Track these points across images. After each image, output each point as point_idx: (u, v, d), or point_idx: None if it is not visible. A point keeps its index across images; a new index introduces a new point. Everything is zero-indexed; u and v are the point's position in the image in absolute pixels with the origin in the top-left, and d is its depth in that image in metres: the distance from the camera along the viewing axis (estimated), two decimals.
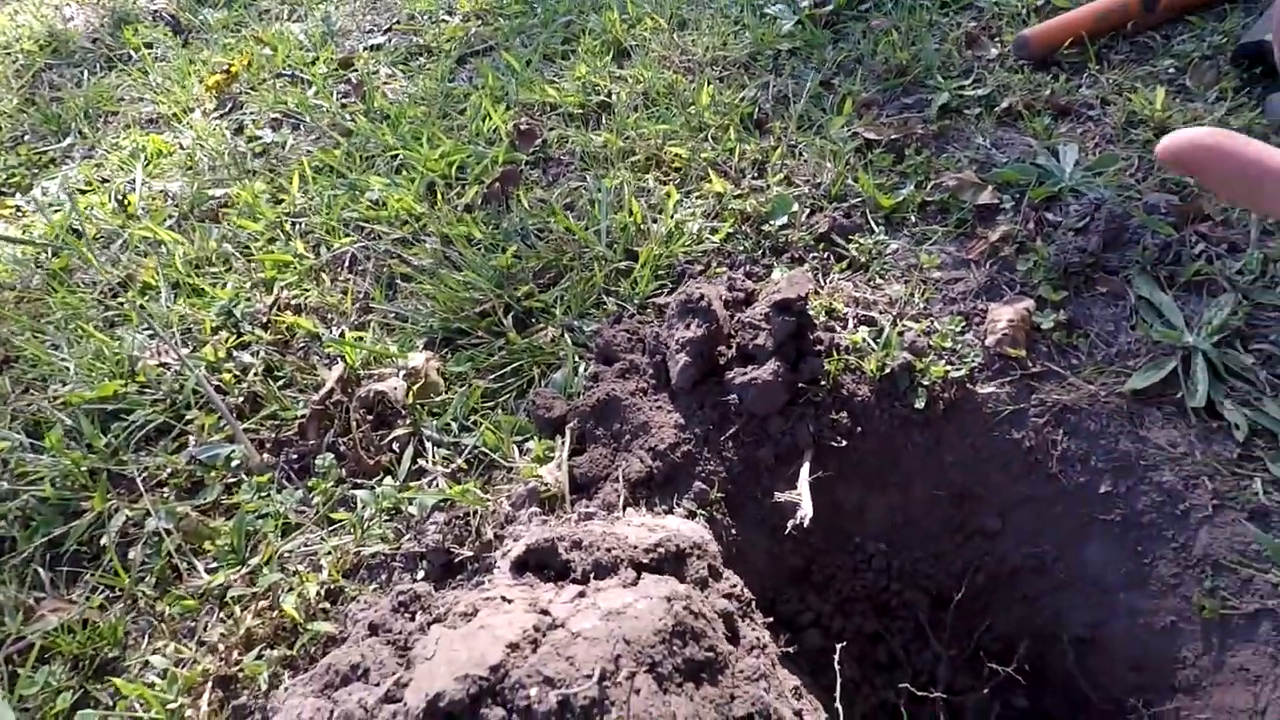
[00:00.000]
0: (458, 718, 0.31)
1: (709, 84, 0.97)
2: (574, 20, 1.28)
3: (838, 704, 0.42)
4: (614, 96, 0.99)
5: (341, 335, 0.71)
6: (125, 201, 1.01)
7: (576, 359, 0.65)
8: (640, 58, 1.09)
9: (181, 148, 1.18)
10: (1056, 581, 0.57)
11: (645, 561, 0.41)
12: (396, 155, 0.95)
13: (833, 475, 0.56)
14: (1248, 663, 0.46)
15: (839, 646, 0.45)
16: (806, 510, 0.49)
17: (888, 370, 0.58)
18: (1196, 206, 0.70)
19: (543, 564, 0.42)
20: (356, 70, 1.31)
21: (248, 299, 0.76)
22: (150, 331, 0.72)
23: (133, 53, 1.54)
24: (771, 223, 0.76)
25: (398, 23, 1.53)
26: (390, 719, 0.32)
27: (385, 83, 1.25)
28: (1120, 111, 0.84)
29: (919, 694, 0.51)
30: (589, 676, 0.31)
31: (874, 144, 0.85)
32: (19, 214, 1.09)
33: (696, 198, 0.81)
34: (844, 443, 0.55)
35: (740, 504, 0.54)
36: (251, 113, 1.23)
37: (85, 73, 1.51)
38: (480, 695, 0.31)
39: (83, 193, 1.11)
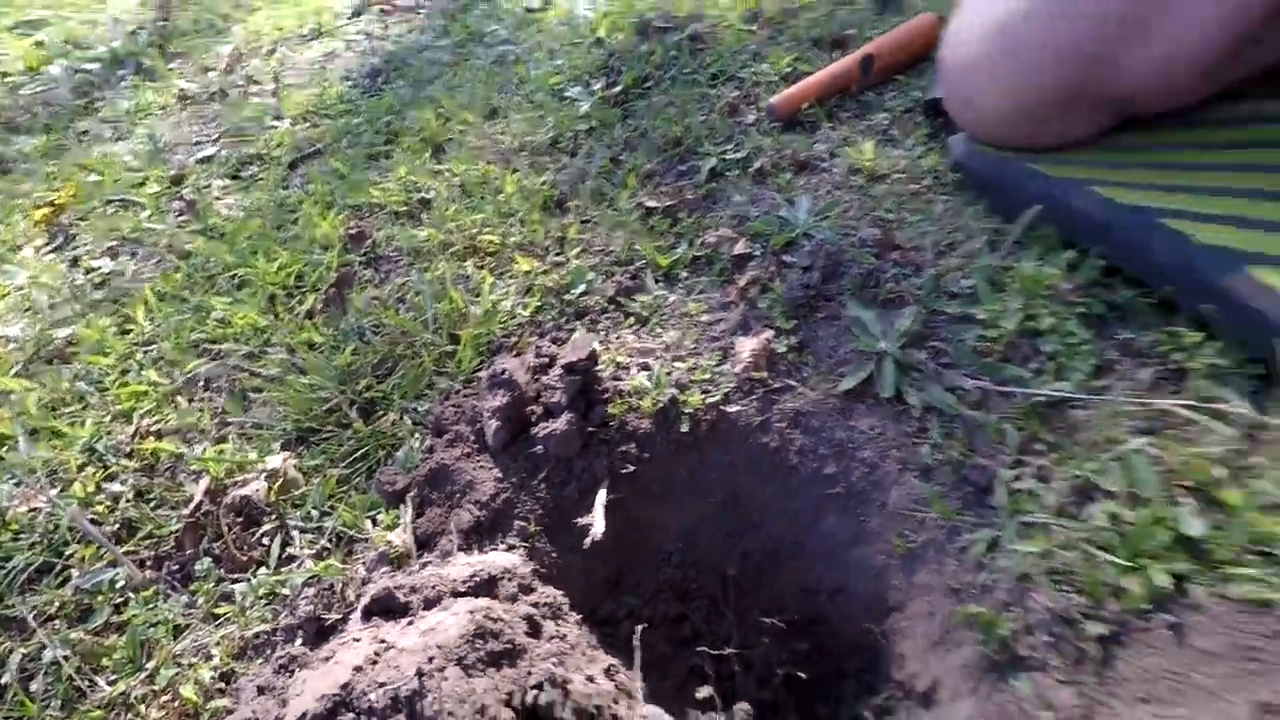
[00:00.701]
0: None
1: (515, 172, 1.12)
2: (393, 120, 1.41)
3: (636, 669, 0.56)
4: (433, 192, 1.12)
5: (204, 451, 0.80)
6: None
7: (414, 436, 0.77)
8: (455, 152, 1.23)
9: (17, 289, 1.21)
10: (809, 551, 0.74)
11: (463, 590, 0.53)
12: (236, 273, 1.04)
13: (629, 498, 0.71)
14: (923, 579, 0.63)
15: (639, 628, 0.60)
16: (598, 528, 0.64)
17: (660, 405, 0.74)
18: (891, 237, 0.90)
19: (386, 609, 0.54)
20: (189, 186, 1.38)
21: (109, 432, 0.83)
22: (15, 480, 0.78)
23: None
24: (572, 292, 0.91)
25: (226, 132, 1.60)
26: None
27: (218, 197, 1.33)
28: (843, 162, 1.05)
29: (715, 654, 0.66)
30: (411, 674, 0.44)
31: (654, 211, 1.02)
32: None
33: (508, 278, 0.95)
34: (634, 469, 0.70)
35: (556, 533, 0.68)
36: (86, 244, 1.27)
37: None
38: (335, 707, 0.43)
39: None
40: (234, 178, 1.39)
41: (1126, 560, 0.56)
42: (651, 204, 1.03)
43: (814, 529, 0.72)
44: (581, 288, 0.91)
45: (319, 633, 0.62)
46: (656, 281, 0.92)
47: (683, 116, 1.20)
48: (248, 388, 0.86)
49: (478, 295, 0.92)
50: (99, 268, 1.20)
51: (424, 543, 0.66)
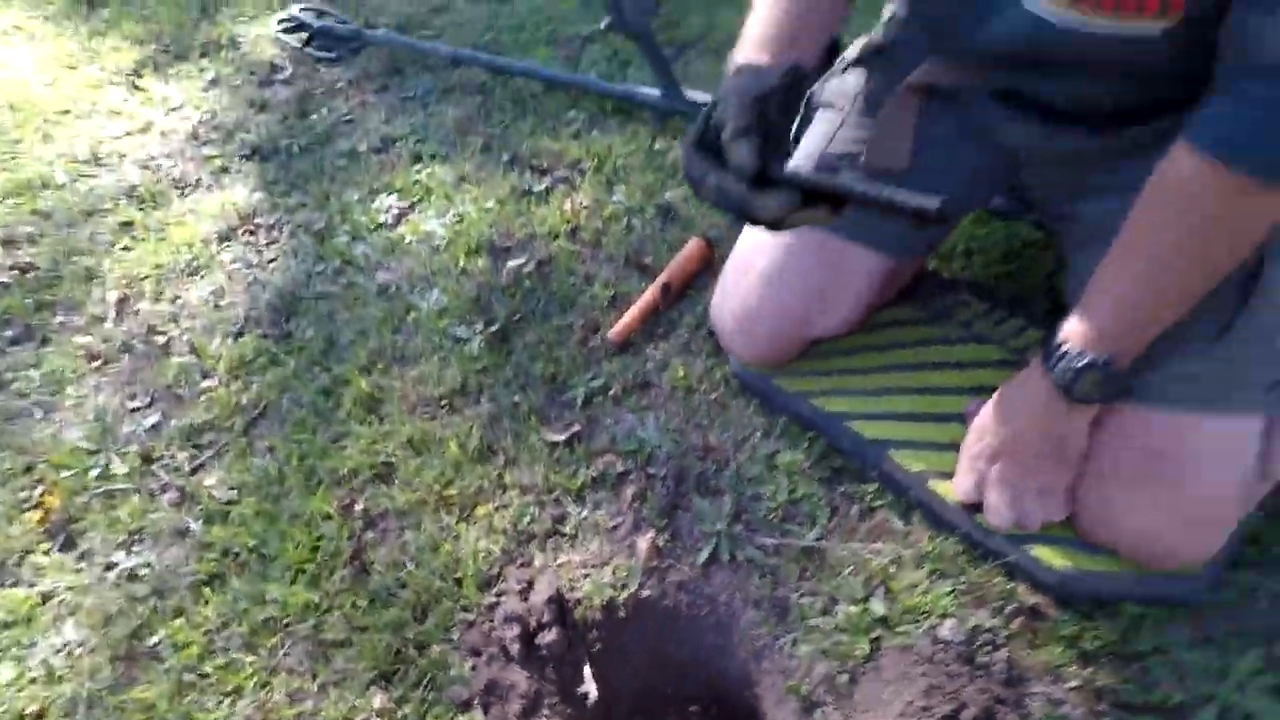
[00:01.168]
0: None
1: (450, 430, 1.58)
2: (320, 373, 1.79)
3: None
4: (394, 456, 1.55)
5: (317, 708, 1.21)
6: (50, 668, 1.33)
7: (458, 657, 1.23)
8: (392, 407, 1.66)
9: (45, 599, 1.48)
10: (709, 660, 1.29)
11: None
12: (265, 554, 1.42)
13: (602, 665, 1.23)
14: (766, 666, 1.21)
15: None
16: (592, 692, 1.15)
17: (604, 602, 1.26)
18: (707, 440, 1.47)
19: None
20: (161, 462, 1.68)
21: (232, 713, 1.21)
22: None
23: None
24: (522, 523, 1.40)
25: (158, 396, 1.89)
26: None
27: (192, 473, 1.65)
28: (668, 378, 1.61)
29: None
30: None
31: (556, 445, 1.53)
32: None
33: (474, 523, 1.42)
34: (600, 646, 1.22)
35: (567, 702, 1.18)
36: (94, 540, 1.56)
37: None
38: None
39: None
40: (196, 447, 1.71)
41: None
42: (552, 438, 1.54)
43: (707, 646, 1.28)
44: (528, 518, 1.40)
45: None
46: (574, 504, 1.43)
47: (550, 351, 1.72)
48: (325, 651, 1.27)
49: (459, 540, 1.39)
50: (118, 563, 1.50)
51: None
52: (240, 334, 1.96)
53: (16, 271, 2.30)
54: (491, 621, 1.25)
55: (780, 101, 0.70)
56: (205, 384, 1.86)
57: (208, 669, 1.28)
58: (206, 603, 1.37)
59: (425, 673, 1.22)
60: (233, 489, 1.57)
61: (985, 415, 0.98)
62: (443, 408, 1.64)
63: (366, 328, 1.87)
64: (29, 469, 1.72)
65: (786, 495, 1.36)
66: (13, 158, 2.64)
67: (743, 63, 0.78)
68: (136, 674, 1.29)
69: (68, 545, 1.56)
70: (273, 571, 1.39)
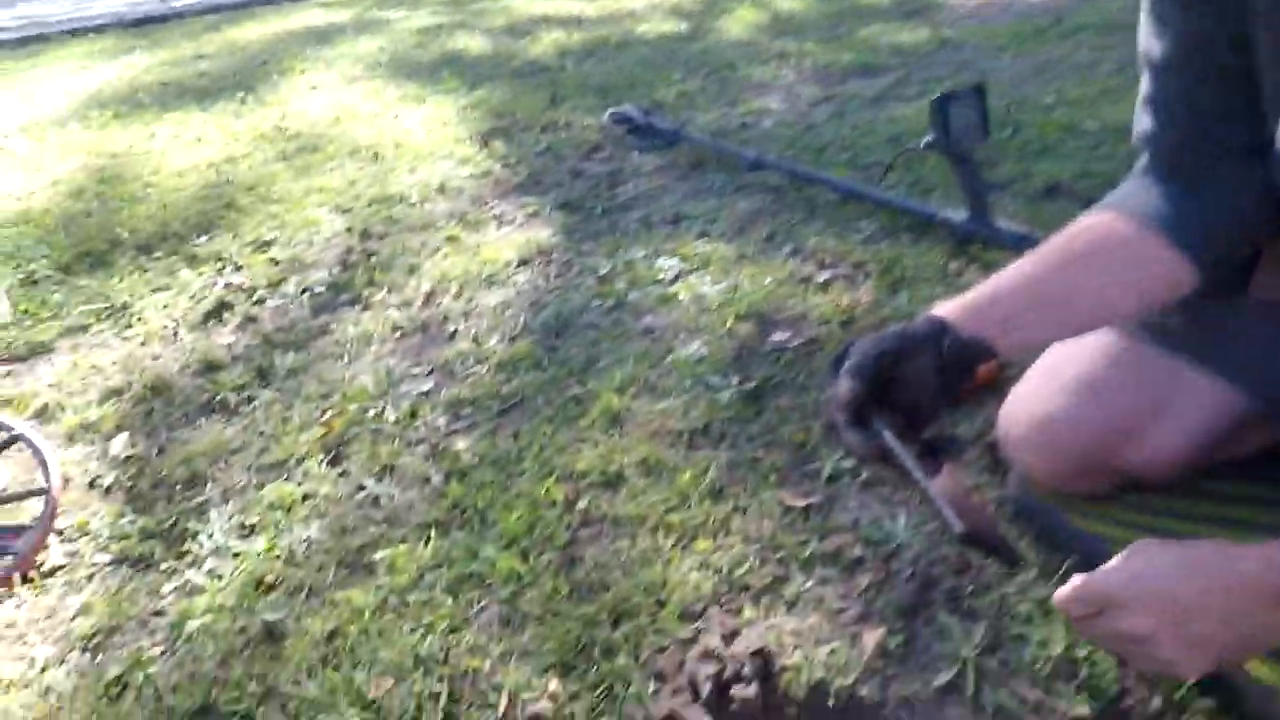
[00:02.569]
0: None
1: (686, 460, 1.55)
2: (575, 386, 1.87)
3: None
4: (624, 468, 1.56)
5: (493, 669, 1.18)
6: (292, 554, 1.46)
7: (642, 679, 1.14)
8: (633, 428, 1.68)
9: (305, 497, 1.65)
10: None
11: None
12: (485, 517, 1.46)
13: None
14: None
15: None
16: None
17: (812, 682, 1.10)
18: (967, 559, 1.29)
19: None
20: (423, 419, 1.84)
21: (423, 641, 1.22)
22: (369, 669, 1.16)
23: (229, 396, 2.02)
24: (738, 571, 1.30)
25: (437, 368, 2.09)
26: None
27: (447, 436, 1.78)
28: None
29: None
30: None
31: (790, 509, 1.43)
32: (197, 560, 1.50)
33: (691, 554, 1.35)
34: None
35: None
36: (355, 465, 1.72)
37: (194, 416, 1.98)
38: None
39: (241, 538, 1.54)
40: (455, 416, 1.85)
41: None
42: (789, 501, 1.45)
43: None
44: (745, 568, 1.30)
45: None
46: (800, 571, 1.31)
47: (803, 420, 1.64)
48: (517, 620, 1.25)
49: (670, 565, 1.32)
50: (369, 488, 1.63)
51: None
52: (515, 338, 2.15)
53: (364, 255, 2.78)
54: (684, 655, 1.15)
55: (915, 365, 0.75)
56: (476, 369, 2.04)
57: (410, 599, 1.31)
58: (428, 543, 1.42)
59: (605, 678, 1.14)
60: (476, 457, 1.66)
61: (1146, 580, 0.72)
62: (682, 441, 1.62)
63: (625, 358, 1.95)
64: (325, 396, 1.97)
65: (1063, 650, 1.12)
66: (385, 178, 3.30)
67: (932, 314, 0.81)
68: (353, 581, 1.36)
69: (334, 462, 1.74)
70: (490, 534, 1.43)
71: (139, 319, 2.45)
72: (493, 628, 1.25)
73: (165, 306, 2.52)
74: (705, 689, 1.07)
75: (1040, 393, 1.25)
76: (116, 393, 2.08)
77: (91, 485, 1.77)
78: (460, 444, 1.73)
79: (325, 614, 1.29)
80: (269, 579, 1.39)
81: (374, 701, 1.13)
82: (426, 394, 1.96)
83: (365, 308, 2.45)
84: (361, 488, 1.64)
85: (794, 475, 1.53)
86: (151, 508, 1.67)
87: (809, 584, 1.28)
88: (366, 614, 1.28)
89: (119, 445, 1.87)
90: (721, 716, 1.06)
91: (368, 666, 1.19)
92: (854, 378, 0.74)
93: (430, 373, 2.07)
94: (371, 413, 1.88)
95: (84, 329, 2.43)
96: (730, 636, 1.16)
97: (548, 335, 2.16)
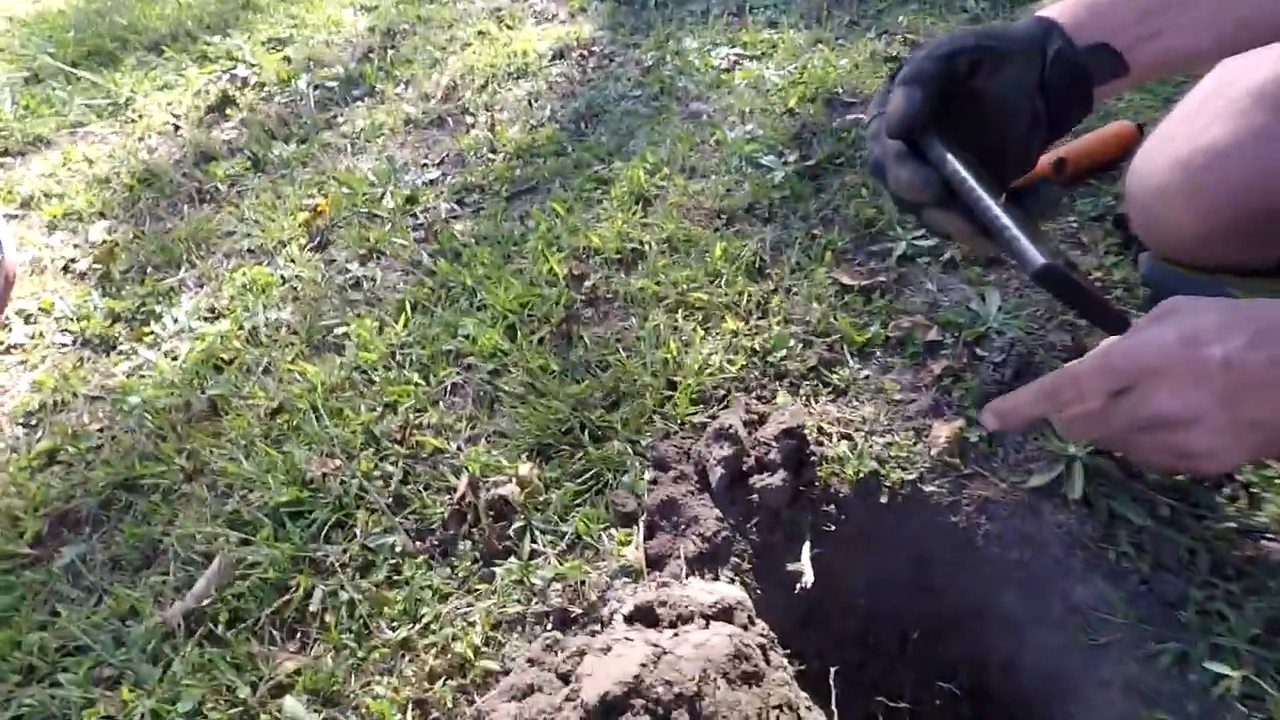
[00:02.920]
0: (617, 705, 0.54)
1: (720, 237, 1.25)
2: (601, 168, 1.57)
3: (833, 707, 0.66)
4: (646, 245, 1.27)
5: (458, 449, 0.96)
6: (255, 332, 1.26)
7: (638, 466, 0.89)
8: (661, 207, 1.37)
9: (283, 280, 1.44)
10: (985, 622, 0.81)
11: (709, 613, 0.64)
12: (476, 296, 1.21)
13: (825, 550, 0.81)
14: (1103, 675, 0.70)
15: (832, 669, 0.69)
16: (809, 577, 0.74)
17: (861, 475, 0.83)
18: (1081, 344, 0.97)
19: (644, 618, 0.65)
20: (422, 206, 1.59)
21: (381, 419, 1.01)
22: (313, 447, 0.96)
23: (220, 186, 1.81)
24: (774, 355, 1.02)
25: (448, 158, 1.82)
26: (571, 709, 0.55)
27: (447, 221, 1.52)
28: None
29: (892, 705, 0.74)
30: (691, 679, 0.55)
31: (849, 289, 1.12)
32: (159, 340, 1.33)
33: (716, 335, 1.07)
34: (834, 528, 0.80)
35: (763, 573, 0.79)
36: (341, 248, 1.49)
37: (182, 205, 1.78)
38: (628, 693, 0.54)
39: (207, 321, 1.36)
40: (459, 203, 1.59)
41: None
42: (847, 281, 1.13)
43: (993, 605, 0.79)
44: (783, 353, 1.02)
45: (564, 621, 0.75)
46: (852, 356, 1.01)
47: (874, 198, 1.30)
48: (495, 400, 1.01)
49: (689, 346, 1.05)
50: (351, 271, 1.40)
51: (654, 562, 0.78)
52: (539, 127, 1.83)
53: (382, 50, 2.47)
54: (694, 440, 0.90)
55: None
56: (491, 157, 1.75)
57: (376, 376, 1.09)
58: (405, 323, 1.19)
59: (592, 465, 0.90)
60: (473, 238, 1.40)
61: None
62: (720, 219, 1.31)
63: (663, 141, 1.62)
64: (320, 183, 1.73)
65: None
66: None
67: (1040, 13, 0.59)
68: (315, 358, 1.14)
69: (319, 247, 1.52)
70: (476, 310, 1.18)
71: (140, 115, 2.25)
72: (465, 408, 1.02)
73: (169, 103, 2.30)
74: (716, 475, 0.81)
75: (1195, 122, 0.86)
76: (104, 182, 1.89)
77: (66, 269, 1.61)
78: (459, 227, 1.47)
79: (275, 390, 1.09)
80: (225, 356, 1.20)
81: (311, 481, 0.93)
82: (432, 182, 1.69)
83: (379, 101, 2.17)
84: (345, 271, 1.41)
85: (857, 255, 1.20)
86: (120, 291, 1.49)
87: (866, 371, 0.99)
88: (321, 390, 1.07)
89: (97, 231, 1.69)
90: (733, 509, 0.81)
91: (313, 444, 0.98)
92: (913, 86, 0.55)
93: (440, 163, 1.79)
94: (366, 198, 1.64)
95: (83, 124, 2.24)
96: (755, 423, 0.89)
97: (576, 123, 1.83)
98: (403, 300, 1.25)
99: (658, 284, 1.17)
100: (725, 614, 0.66)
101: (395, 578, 0.83)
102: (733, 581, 0.75)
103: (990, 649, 0.80)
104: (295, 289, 1.38)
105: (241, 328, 1.28)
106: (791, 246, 1.22)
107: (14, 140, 2.17)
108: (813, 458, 0.83)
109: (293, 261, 1.47)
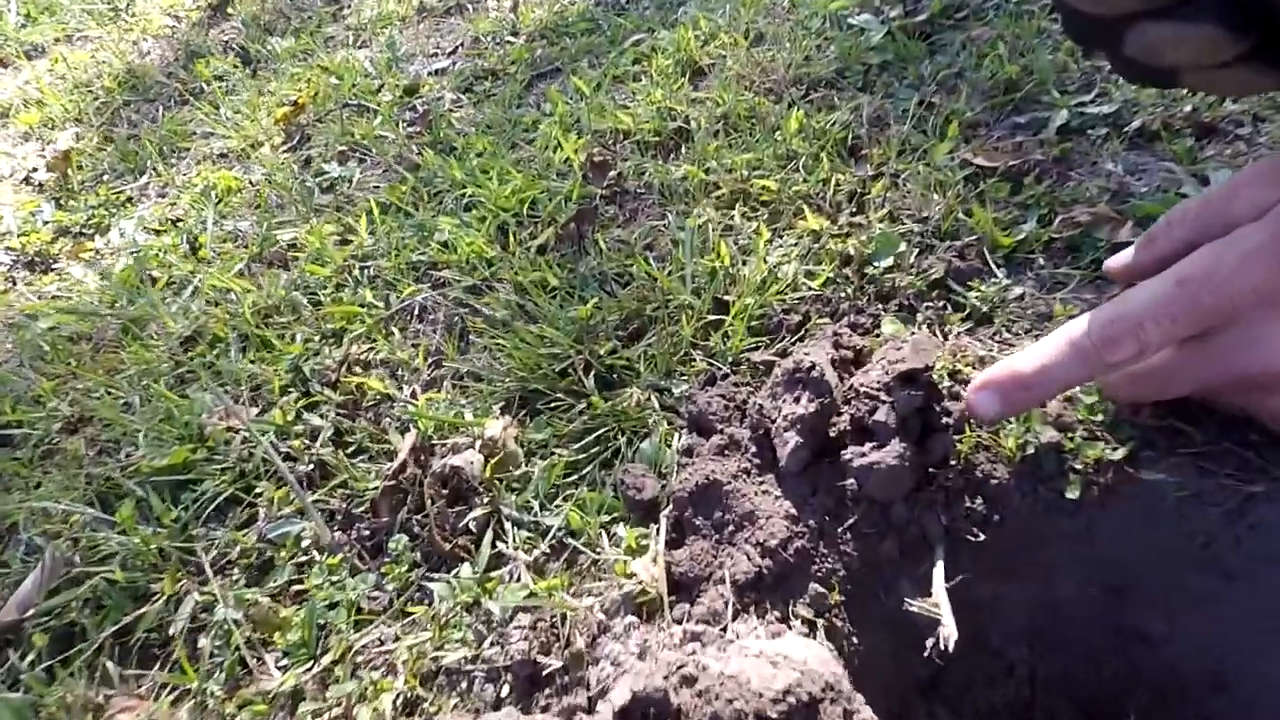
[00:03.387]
0: None
1: (795, 107, 0.90)
2: (644, 38, 1.23)
3: None
4: (692, 122, 0.93)
5: (413, 395, 0.67)
6: (197, 244, 1.00)
7: (667, 425, 0.59)
8: (717, 78, 1.03)
9: (251, 184, 1.18)
10: (1236, 698, 0.48)
11: (772, 716, 0.35)
12: (465, 192, 0.91)
13: (967, 572, 0.49)
14: None
15: None
16: (950, 630, 0.42)
17: (1030, 450, 0.50)
18: None
19: (651, 715, 0.36)
20: (422, 97, 1.29)
21: (317, 353, 0.73)
22: (224, 390, 0.69)
23: (205, 85, 1.56)
24: (875, 265, 0.69)
25: (461, 45, 1.51)
26: None
27: (451, 110, 1.22)
28: (1277, 129, 0.74)
29: None
30: None
31: (986, 172, 0.77)
32: (98, 257, 1.10)
33: (789, 237, 0.74)
34: (982, 536, 0.48)
35: (862, 606, 0.48)
36: (320, 145, 1.21)
37: (160, 108, 1.54)
38: None
39: (157, 233, 1.11)
40: (467, 91, 1.28)
41: None
42: (983, 162, 0.78)
43: (1254, 671, 0.47)
44: (889, 260, 0.68)
45: (531, 680, 0.46)
46: (998, 266, 0.67)
47: (1016, 55, 0.92)
48: (469, 328, 0.72)
49: (749, 254, 0.72)
50: (328, 172, 1.13)
51: (681, 585, 0.48)
52: (570, 4, 1.49)
53: None
54: (753, 388, 0.58)
55: None
56: (511, 40, 1.42)
57: (324, 296, 0.81)
58: (373, 231, 0.90)
59: (597, 424, 0.60)
60: (474, 127, 1.09)
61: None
62: (796, 89, 0.96)
63: (719, 8, 1.25)
64: (306, 75, 1.45)
65: None
66: None
67: None
68: (257, 276, 0.87)
69: (295, 146, 1.25)
70: (459, 210, 0.88)
71: (139, 18, 2.01)
72: (428, 338, 0.73)
73: (170, 4, 2.06)
74: (788, 445, 0.49)
75: None
76: (84, 87, 1.66)
77: (26, 180, 1.39)
78: (460, 115, 1.17)
79: (195, 316, 0.82)
80: (155, 274, 0.94)
81: (209, 438, 0.66)
82: (439, 72, 1.38)
83: None
84: (321, 173, 1.13)
85: (995, 128, 0.84)
86: (72, 202, 1.26)
87: (1020, 288, 0.65)
88: (249, 314, 0.79)
89: (66, 139, 1.46)
90: (818, 503, 0.49)
91: (225, 387, 0.71)
92: None
93: (452, 51, 1.48)
94: (359, 90, 1.35)
95: (81, 30, 2.03)
96: (850, 362, 0.56)
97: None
98: (379, 203, 0.96)
99: (707, 171, 0.84)
100: (802, 713, 0.35)
101: (298, 587, 0.56)
102: (811, 627, 0.44)
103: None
104: (260, 194, 1.11)
105: (186, 242, 1.02)
106: (899, 120, 0.87)
107: (11, 50, 1.97)
108: (946, 421, 0.51)
109: (263, 164, 1.20)
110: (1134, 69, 0.42)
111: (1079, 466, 0.49)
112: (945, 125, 0.84)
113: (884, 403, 0.50)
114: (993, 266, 0.67)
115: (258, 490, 0.62)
